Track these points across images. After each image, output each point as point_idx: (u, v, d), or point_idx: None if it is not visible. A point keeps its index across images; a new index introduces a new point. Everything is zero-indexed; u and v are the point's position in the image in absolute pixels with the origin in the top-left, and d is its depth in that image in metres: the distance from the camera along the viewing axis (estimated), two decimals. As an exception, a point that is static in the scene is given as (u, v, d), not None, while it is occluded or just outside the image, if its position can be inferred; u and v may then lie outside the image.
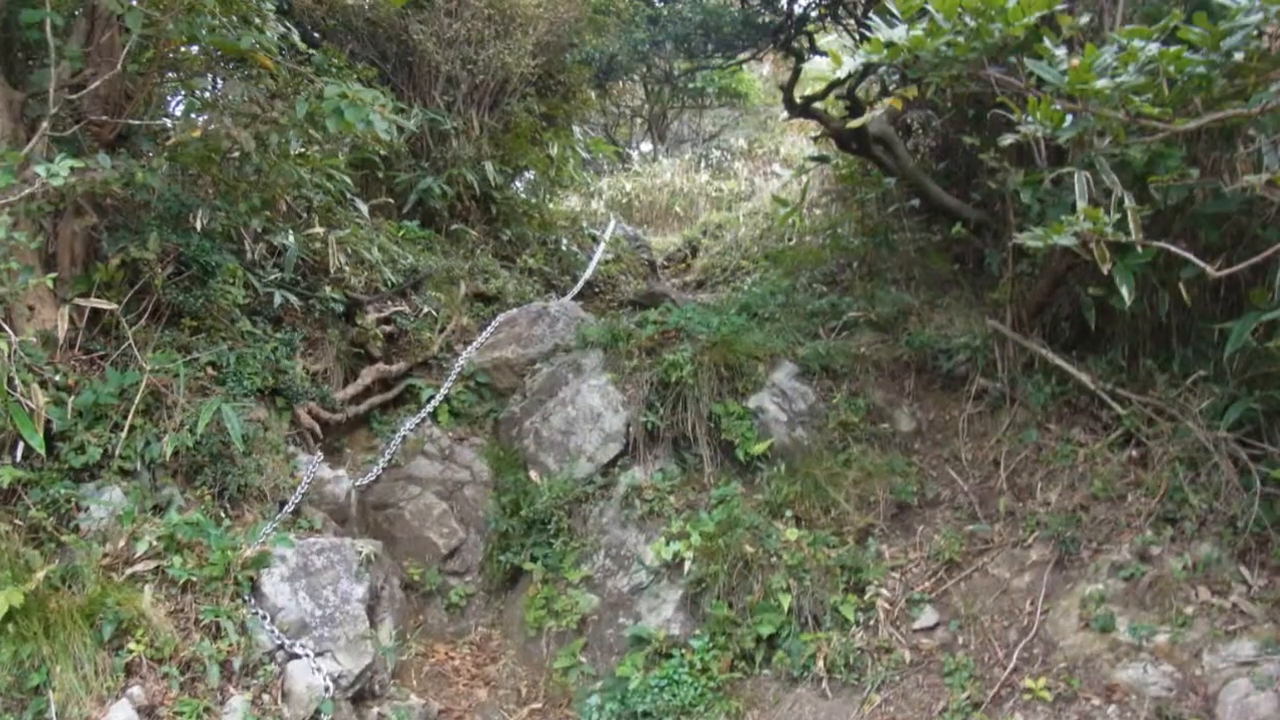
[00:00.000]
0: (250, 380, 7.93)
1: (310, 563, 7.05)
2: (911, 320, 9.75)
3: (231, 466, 7.44)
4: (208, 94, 9.07)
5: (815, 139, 14.15)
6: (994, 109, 6.91)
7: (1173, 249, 5.73)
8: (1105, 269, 6.01)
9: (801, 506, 8.19)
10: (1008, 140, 6.22)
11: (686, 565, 7.74)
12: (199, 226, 7.81)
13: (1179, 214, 7.04)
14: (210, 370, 7.74)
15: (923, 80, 7.49)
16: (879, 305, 10.04)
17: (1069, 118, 5.64)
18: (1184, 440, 7.12)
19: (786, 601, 7.33)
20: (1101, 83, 5.27)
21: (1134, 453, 7.48)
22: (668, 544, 7.92)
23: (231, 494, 7.40)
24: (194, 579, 6.46)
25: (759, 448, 8.56)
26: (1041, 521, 7.45)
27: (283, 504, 7.66)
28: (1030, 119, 5.65)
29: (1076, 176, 6.43)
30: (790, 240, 14.13)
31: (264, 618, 6.59)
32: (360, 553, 7.38)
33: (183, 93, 8.91)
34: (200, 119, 8.33)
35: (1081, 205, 5.96)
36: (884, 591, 7.52)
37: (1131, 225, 5.86)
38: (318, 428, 8.80)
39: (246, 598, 6.65)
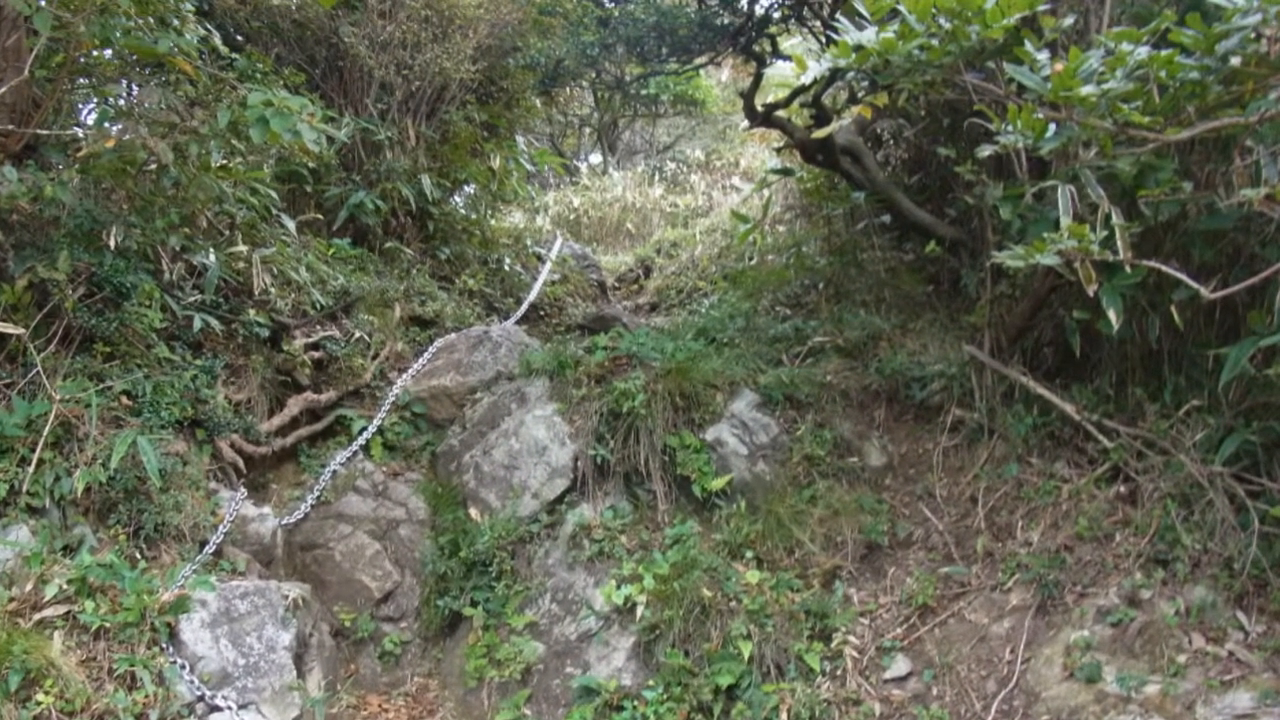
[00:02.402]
0: (168, 411, 7.94)
1: (233, 608, 7.10)
2: (882, 346, 9.77)
3: (148, 504, 7.46)
4: (122, 101, 9.10)
5: (778, 150, 14.30)
6: (971, 118, 6.94)
7: (1164, 269, 5.69)
8: (1091, 290, 5.94)
9: (763, 547, 8.28)
10: (986, 151, 6.12)
11: (639, 610, 7.77)
12: (113, 244, 7.81)
13: (1171, 231, 7.08)
14: (125, 400, 7.74)
15: (894, 87, 7.49)
16: (847, 330, 10.07)
17: (1052, 127, 5.59)
18: (1176, 475, 7.13)
19: (747, 650, 7.34)
20: (1087, 89, 5.25)
21: (1122, 489, 7.51)
22: (619, 587, 7.96)
23: (148, 533, 7.42)
24: (107, 625, 6.50)
25: (717, 483, 8.65)
26: (1022, 563, 7.48)
27: (203, 544, 7.67)
28: (1010, 128, 5.60)
29: (1060, 190, 6.35)
30: (751, 259, 14.25)
31: (183, 667, 6.62)
32: (287, 597, 7.43)
33: (95, 100, 8.93)
34: (114, 128, 8.33)
35: (1065, 221, 5.90)
36: (852, 639, 7.58)
37: (1119, 243, 5.84)
38: (241, 462, 8.82)
39: (164, 645, 6.68)
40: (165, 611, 6.74)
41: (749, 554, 8.22)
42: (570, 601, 8.21)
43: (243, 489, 8.49)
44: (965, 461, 8.61)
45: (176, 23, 8.27)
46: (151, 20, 8.03)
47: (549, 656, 7.97)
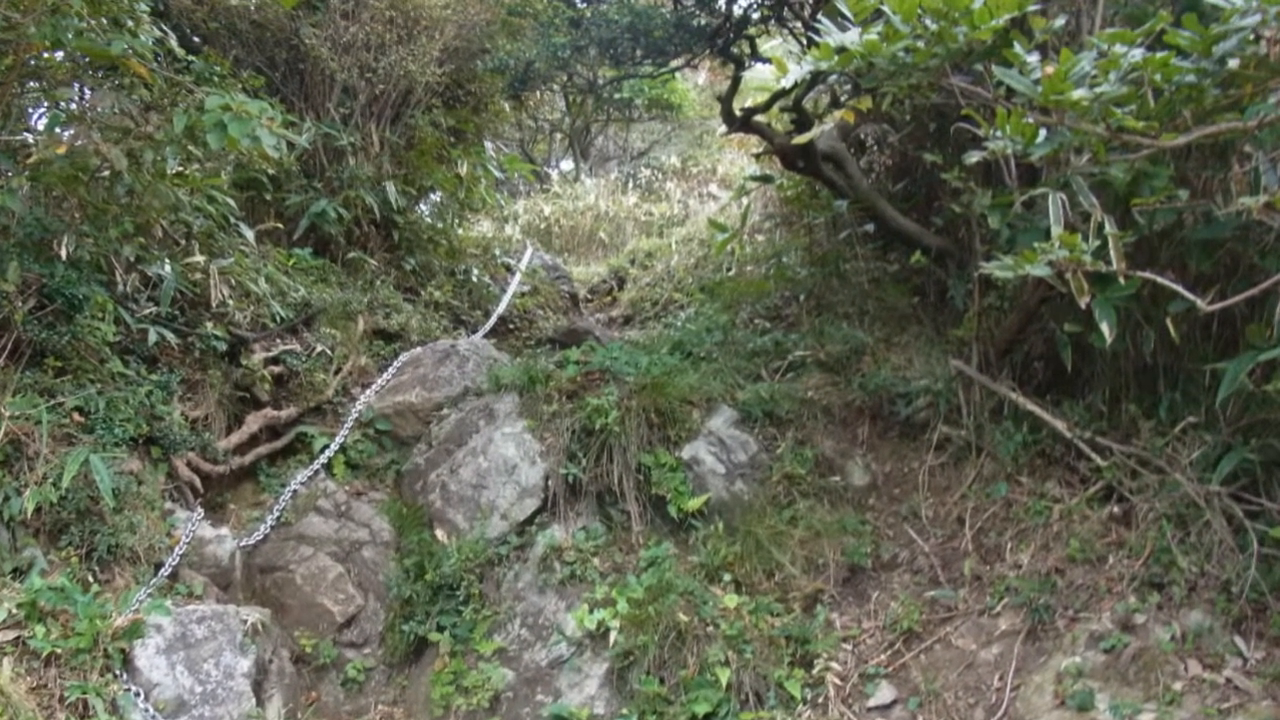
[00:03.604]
0: (122, 428, 7.92)
1: (189, 633, 7.10)
2: (865, 360, 9.80)
3: (101, 525, 7.44)
4: (74, 105, 9.08)
5: (757, 156, 14.28)
6: (958, 123, 6.95)
7: (1159, 280, 5.61)
8: (1083, 302, 5.85)
9: (742, 569, 8.29)
10: (974, 158, 6.10)
11: (612, 636, 7.76)
12: (64, 255, 7.80)
13: (1166, 240, 7.09)
14: (77, 416, 7.72)
15: (878, 90, 7.49)
16: (829, 343, 10.11)
17: (1042, 132, 5.57)
18: (1172, 495, 7.12)
19: (725, 676, 7.34)
20: (1079, 93, 5.20)
21: (1116, 509, 7.51)
22: (591, 612, 7.94)
23: (101, 555, 7.39)
24: (59, 651, 6.47)
25: (694, 503, 8.68)
26: (1011, 586, 7.49)
27: (158, 567, 7.67)
28: (999, 134, 5.55)
29: (1051, 198, 6.38)
30: (729, 270, 14.28)
31: (137, 695, 6.61)
32: (245, 622, 7.42)
33: (46, 104, 8.91)
34: (66, 134, 8.30)
35: (1056, 231, 5.94)
36: (834, 665, 7.57)
37: (1113, 253, 5.78)
38: (198, 481, 8.80)
39: (118, 672, 6.67)
40: (119, 637, 6.73)
41: (727, 577, 8.23)
42: (541, 626, 8.21)
43: (200, 509, 8.47)
44: (952, 481, 8.63)
45: (131, 24, 8.21)
46: (105, 21, 8.00)
47: (519, 684, 7.96)
